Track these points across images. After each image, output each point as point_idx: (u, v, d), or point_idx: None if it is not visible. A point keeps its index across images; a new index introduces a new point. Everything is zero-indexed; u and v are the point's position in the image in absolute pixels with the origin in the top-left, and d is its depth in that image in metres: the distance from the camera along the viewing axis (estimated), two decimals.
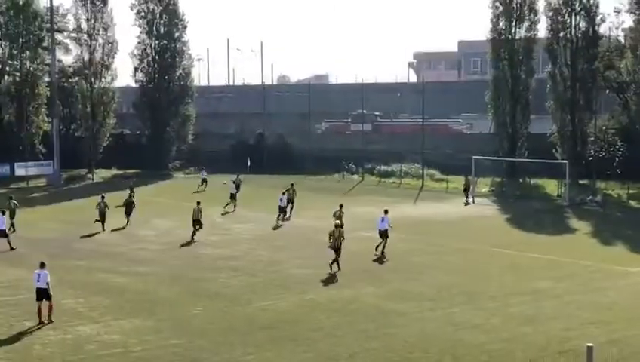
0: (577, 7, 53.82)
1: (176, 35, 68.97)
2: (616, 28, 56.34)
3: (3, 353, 18.91)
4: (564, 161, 50.57)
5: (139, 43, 68.71)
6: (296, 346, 19.35)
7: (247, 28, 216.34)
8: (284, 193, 41.93)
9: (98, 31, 65.73)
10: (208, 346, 19.27)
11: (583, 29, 53.94)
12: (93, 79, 65.64)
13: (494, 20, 57.09)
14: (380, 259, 30.54)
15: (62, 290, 23.15)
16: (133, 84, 71.57)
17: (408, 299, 24.16)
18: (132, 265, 29.53)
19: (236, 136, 73.58)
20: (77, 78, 68.09)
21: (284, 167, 63.69)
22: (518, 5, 56.37)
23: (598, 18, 53.94)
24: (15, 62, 63.92)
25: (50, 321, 21.15)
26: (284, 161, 66.27)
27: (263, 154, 68.59)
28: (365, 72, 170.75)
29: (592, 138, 55.00)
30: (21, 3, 62.83)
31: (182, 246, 33.79)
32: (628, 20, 54.96)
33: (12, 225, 35.73)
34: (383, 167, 62.94)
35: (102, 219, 37.59)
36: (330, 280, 26.88)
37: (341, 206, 35.90)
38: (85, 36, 65.66)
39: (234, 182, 47.90)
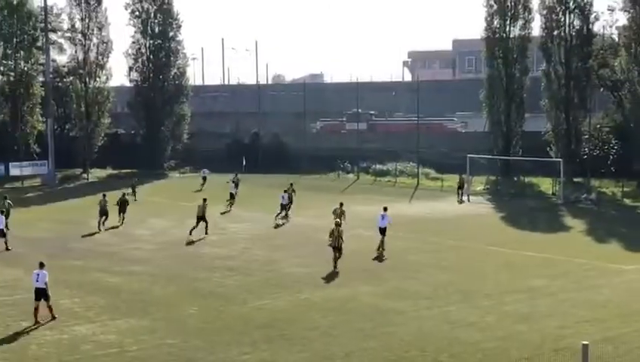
0: (571, 5, 53.95)
1: (171, 34, 68.99)
2: (610, 26, 56.52)
3: None
4: (559, 159, 50.73)
5: (133, 42, 68.76)
6: (292, 345, 19.35)
7: (241, 27, 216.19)
8: (285, 191, 42.15)
9: (92, 30, 65.67)
10: (204, 346, 19.28)
11: (577, 27, 54.09)
12: (87, 79, 65.59)
13: (489, 19, 57.26)
14: (380, 257, 30.63)
15: (58, 290, 23.11)
16: (128, 84, 71.68)
17: (405, 297, 24.20)
18: (128, 265, 29.51)
19: (231, 135, 73.64)
20: (71, 78, 68.11)
21: (279, 167, 63.77)
22: (513, 4, 56.55)
23: (592, 16, 54.15)
24: (9, 62, 63.76)
25: (53, 318, 21.20)
26: (279, 161, 66.32)
27: (258, 154, 68.65)
28: (360, 71, 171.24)
29: (587, 136, 55.15)
30: (15, 3, 62.70)
31: (178, 245, 33.76)
32: (622, 19, 55.12)
33: (6, 225, 35.62)
34: (378, 166, 63.06)
35: (104, 216, 37.95)
36: (326, 279, 26.89)
37: (341, 204, 36.01)
38: (80, 36, 65.64)
39: (233, 181, 48.24)
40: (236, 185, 47.76)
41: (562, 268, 28.80)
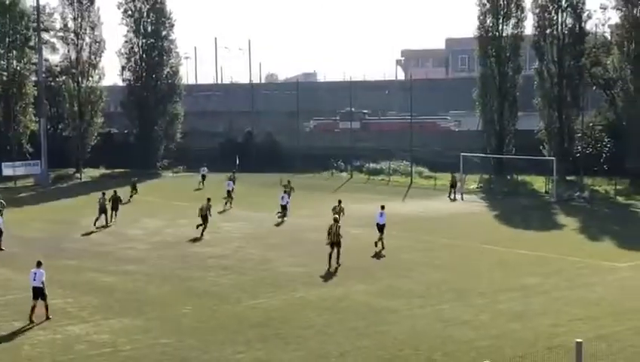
0: (564, 3, 54.01)
1: (164, 33, 68.82)
2: (603, 24, 56.51)
3: None
4: (552, 158, 50.83)
5: (126, 42, 68.58)
6: (287, 344, 19.36)
7: (234, 26, 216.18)
8: (285, 192, 42.21)
9: (85, 30, 65.42)
10: (198, 345, 19.27)
11: (570, 25, 54.15)
12: (80, 78, 65.37)
13: (481, 18, 57.30)
14: (378, 255, 30.76)
15: (51, 290, 23.01)
16: (121, 83, 71.39)
17: (398, 296, 24.24)
18: (121, 265, 29.48)
19: (225, 134, 73.56)
20: (64, 77, 67.91)
21: (272, 165, 63.76)
22: (505, 2, 56.57)
23: (585, 15, 54.17)
24: (2, 62, 63.48)
25: (47, 318, 21.20)
26: (272, 159, 66.30)
27: (252, 153, 68.57)
28: (353, 70, 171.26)
29: (579, 134, 55.29)
30: (7, 2, 62.45)
31: (172, 244, 33.71)
32: (614, 17, 55.29)
33: None
34: (371, 165, 63.08)
35: (102, 214, 38.33)
36: (320, 277, 26.92)
37: (340, 201, 36.25)
38: (72, 35, 65.38)
39: (230, 180, 48.44)
40: (233, 182, 48.17)
41: (555, 266, 28.87)
